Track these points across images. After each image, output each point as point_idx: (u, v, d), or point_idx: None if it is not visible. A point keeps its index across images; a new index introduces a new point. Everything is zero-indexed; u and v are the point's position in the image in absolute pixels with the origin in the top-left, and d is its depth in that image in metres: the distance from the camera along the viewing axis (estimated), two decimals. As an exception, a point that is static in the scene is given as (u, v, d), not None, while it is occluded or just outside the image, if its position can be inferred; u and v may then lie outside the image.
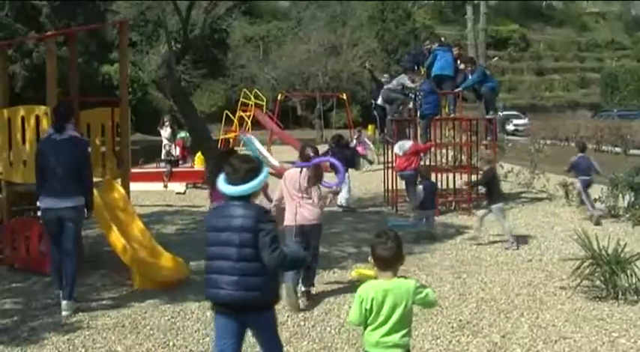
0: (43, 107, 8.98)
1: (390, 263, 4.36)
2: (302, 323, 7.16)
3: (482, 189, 12.69)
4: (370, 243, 4.54)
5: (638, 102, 54.61)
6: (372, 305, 4.30)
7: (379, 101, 16.20)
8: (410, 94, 15.24)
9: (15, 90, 26.56)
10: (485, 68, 16.77)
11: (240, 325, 4.94)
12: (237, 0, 33.61)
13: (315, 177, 7.85)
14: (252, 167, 4.86)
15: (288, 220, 7.75)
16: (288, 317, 7.35)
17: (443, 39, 17.61)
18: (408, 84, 15.03)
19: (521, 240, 11.40)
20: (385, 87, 15.77)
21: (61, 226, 7.62)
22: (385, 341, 4.33)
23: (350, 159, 14.97)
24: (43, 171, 7.65)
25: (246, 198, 4.82)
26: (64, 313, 7.51)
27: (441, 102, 15.32)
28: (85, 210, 7.84)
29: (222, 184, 4.88)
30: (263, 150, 25.85)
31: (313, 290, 8.19)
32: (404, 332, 4.36)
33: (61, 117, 7.88)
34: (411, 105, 15.52)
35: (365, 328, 4.42)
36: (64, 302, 7.57)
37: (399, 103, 15.48)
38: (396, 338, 4.33)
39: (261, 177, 4.85)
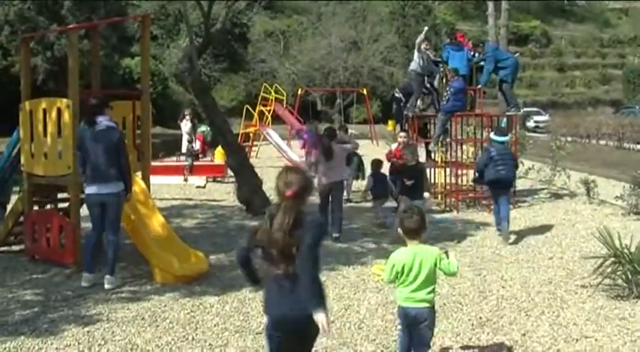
0: (64, 100, 9.00)
1: (416, 232, 5.37)
2: (321, 318, 7.13)
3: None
4: (399, 216, 5.54)
5: (660, 99, 54.12)
6: (402, 267, 5.28)
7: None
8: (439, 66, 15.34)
9: (36, 83, 26.74)
10: (496, 49, 16.43)
11: None
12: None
13: None
14: None
15: None
16: (307, 312, 7.33)
17: (454, 36, 17.30)
18: (413, 67, 15.08)
19: (542, 237, 11.34)
20: (410, 68, 15.62)
21: (102, 210, 8.34)
22: (414, 296, 5.31)
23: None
24: (84, 160, 8.35)
25: None
26: (107, 286, 8.22)
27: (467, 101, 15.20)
28: (125, 193, 8.53)
29: None
30: (283, 144, 25.90)
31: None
32: (429, 289, 5.33)
33: (92, 112, 8.47)
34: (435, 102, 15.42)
35: (397, 286, 5.39)
36: (107, 277, 8.30)
37: (417, 97, 15.36)
38: (423, 293, 5.30)
39: None
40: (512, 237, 11.34)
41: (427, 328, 5.37)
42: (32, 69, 27.37)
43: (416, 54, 15.21)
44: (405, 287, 5.33)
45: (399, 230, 5.45)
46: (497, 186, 11.45)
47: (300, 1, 67.87)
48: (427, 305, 5.33)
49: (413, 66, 15.31)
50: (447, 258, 5.44)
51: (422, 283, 5.29)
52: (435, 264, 5.32)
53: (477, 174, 12.12)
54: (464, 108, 14.82)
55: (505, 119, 14.80)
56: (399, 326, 5.65)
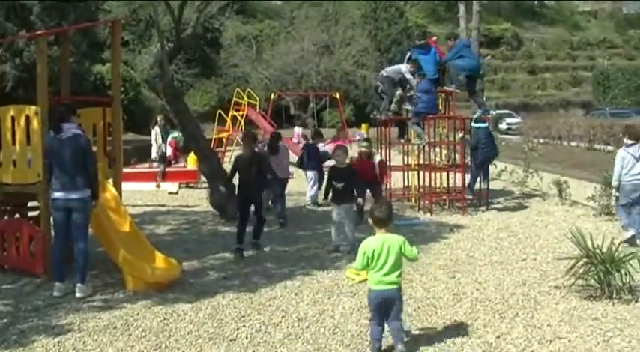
0: (33, 107, 8.89)
1: (385, 222, 6.22)
2: (296, 324, 7.10)
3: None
4: (370, 208, 6.41)
5: (629, 100, 54.78)
6: (373, 253, 6.05)
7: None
8: (406, 87, 15.25)
9: (5, 90, 26.45)
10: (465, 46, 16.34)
11: None
12: (229, -1, 33.55)
13: None
14: None
15: None
16: (282, 317, 7.30)
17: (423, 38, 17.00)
18: (408, 76, 14.93)
19: (515, 239, 11.40)
20: (382, 71, 15.64)
21: (69, 216, 8.31)
22: (385, 280, 6.06)
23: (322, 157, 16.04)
24: (52, 167, 8.34)
25: None
26: (78, 295, 8.15)
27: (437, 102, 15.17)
28: (92, 199, 8.50)
29: None
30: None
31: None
32: (397, 273, 6.12)
33: (58, 118, 8.48)
34: (408, 106, 15.34)
35: (369, 271, 6.15)
36: (78, 286, 8.23)
37: (390, 99, 15.34)
38: (393, 277, 6.08)
39: None
40: (486, 239, 11.39)
41: (398, 309, 6.14)
42: (1, 76, 27.19)
43: (404, 67, 15.15)
44: (376, 272, 6.08)
45: (369, 219, 6.32)
46: (486, 163, 14.26)
47: (273, 2, 67.87)
48: (396, 286, 6.11)
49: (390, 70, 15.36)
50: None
51: (391, 267, 6.06)
52: (401, 249, 6.11)
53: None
54: (434, 110, 14.76)
55: (479, 112, 14.81)
56: (370, 315, 6.28)
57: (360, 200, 11.43)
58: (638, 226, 10.71)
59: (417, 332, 6.78)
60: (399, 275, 6.14)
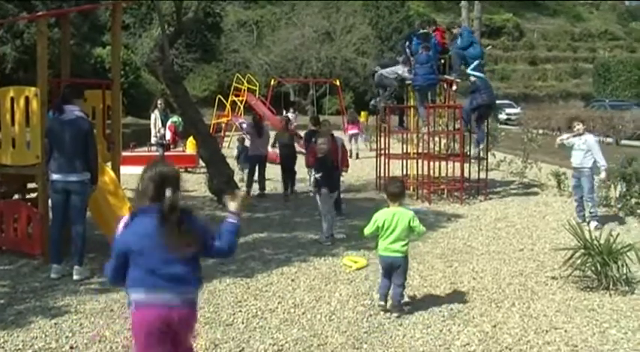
0: (32, 88, 8.87)
1: (398, 196, 7.00)
2: (292, 310, 7.11)
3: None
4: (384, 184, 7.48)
5: (630, 92, 54.69)
6: (383, 223, 6.84)
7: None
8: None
9: (5, 72, 26.39)
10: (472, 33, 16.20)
11: None
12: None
13: None
14: None
15: None
16: (278, 303, 7.31)
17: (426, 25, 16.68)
18: (405, 75, 14.86)
19: (513, 229, 11.41)
20: (379, 72, 15.60)
21: (67, 198, 8.31)
22: (391, 247, 6.84)
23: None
24: (52, 148, 8.32)
25: None
26: (75, 277, 8.20)
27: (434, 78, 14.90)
28: (91, 183, 8.50)
29: None
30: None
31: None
32: (403, 242, 6.86)
33: (61, 99, 8.51)
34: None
35: (379, 238, 6.92)
36: (75, 268, 8.28)
37: (391, 91, 15.34)
38: (398, 245, 6.84)
39: None
40: (484, 229, 11.41)
41: (402, 271, 6.93)
42: (1, 57, 27.13)
43: (400, 69, 15.07)
44: (384, 239, 6.87)
45: (384, 194, 7.42)
46: (483, 109, 14.33)
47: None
48: (401, 254, 6.86)
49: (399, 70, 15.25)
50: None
51: (397, 237, 6.81)
52: (409, 223, 6.81)
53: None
54: (429, 82, 14.51)
55: (476, 63, 14.73)
56: (381, 272, 7.16)
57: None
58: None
59: (413, 319, 6.80)
60: (405, 245, 6.87)
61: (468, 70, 14.60)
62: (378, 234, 6.95)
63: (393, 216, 6.84)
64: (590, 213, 11.58)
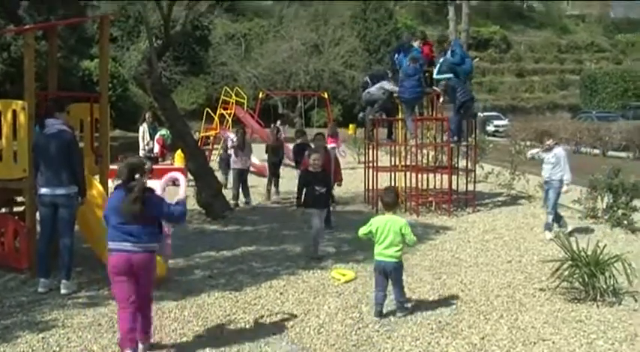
0: (20, 102, 8.83)
1: (391, 206, 7.46)
2: (281, 323, 7.10)
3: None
4: (379, 194, 8.13)
5: (616, 104, 55.05)
6: (377, 229, 7.30)
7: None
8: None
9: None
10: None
11: None
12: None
13: None
14: None
15: None
16: (267, 317, 7.30)
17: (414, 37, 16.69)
18: (390, 88, 14.84)
19: (501, 241, 11.44)
20: (366, 91, 15.55)
21: (54, 212, 8.34)
22: (385, 253, 7.27)
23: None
24: (38, 163, 8.38)
25: None
26: (63, 291, 8.17)
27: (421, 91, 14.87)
28: (79, 196, 8.53)
29: None
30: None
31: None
32: (397, 248, 7.26)
33: (43, 113, 8.59)
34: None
35: (375, 244, 7.35)
36: (63, 282, 8.25)
37: (379, 104, 15.33)
38: (392, 251, 7.25)
39: None
40: (472, 241, 11.44)
41: (397, 275, 7.34)
42: (-12, 70, 27.04)
43: (387, 84, 15.07)
44: (378, 245, 7.31)
45: (379, 203, 7.67)
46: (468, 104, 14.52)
47: (262, 2, 67.83)
48: (395, 259, 7.26)
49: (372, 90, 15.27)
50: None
51: (390, 243, 7.23)
52: (400, 230, 7.22)
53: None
54: (414, 95, 14.43)
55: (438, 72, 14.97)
56: (374, 281, 7.49)
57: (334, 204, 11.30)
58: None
59: (402, 332, 6.80)
60: (399, 251, 7.27)
61: (435, 76, 14.73)
62: (371, 238, 7.41)
63: (386, 223, 7.27)
64: (547, 223, 11.82)
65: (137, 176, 6.13)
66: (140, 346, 6.15)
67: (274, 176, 16.93)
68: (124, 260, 5.98)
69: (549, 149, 11.92)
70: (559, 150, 11.89)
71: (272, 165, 17.10)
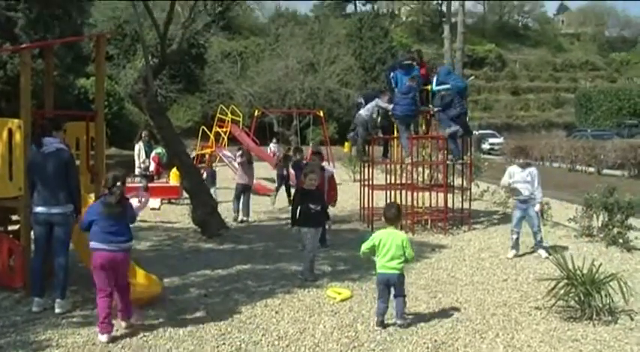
0: (16, 120, 8.83)
1: (393, 220, 7.87)
2: (276, 342, 7.08)
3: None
4: (382, 210, 8.28)
5: (611, 122, 55.29)
6: (379, 242, 7.64)
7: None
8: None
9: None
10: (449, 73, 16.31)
11: None
12: (215, 16, 33.59)
13: None
14: None
15: None
16: (262, 336, 7.27)
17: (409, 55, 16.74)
18: (384, 105, 14.86)
19: (496, 260, 11.43)
20: (359, 113, 15.49)
21: (49, 230, 8.32)
22: (387, 265, 7.58)
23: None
24: (34, 182, 8.32)
25: None
26: (57, 311, 8.11)
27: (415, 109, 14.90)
28: (75, 214, 8.47)
29: None
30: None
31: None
32: (399, 261, 7.57)
33: (40, 132, 8.54)
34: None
35: (377, 257, 7.69)
36: (57, 301, 8.19)
37: (371, 125, 15.29)
38: (394, 263, 7.57)
39: None
40: (467, 259, 11.43)
41: (399, 286, 7.62)
42: (-16, 88, 27.00)
43: (382, 103, 15.06)
44: (382, 258, 7.62)
45: (382, 218, 8.13)
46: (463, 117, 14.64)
47: (258, 21, 68.10)
48: (397, 271, 7.57)
49: (363, 113, 15.25)
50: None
51: (392, 255, 7.56)
52: (402, 243, 7.57)
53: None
54: (408, 112, 14.43)
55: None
56: (377, 294, 7.78)
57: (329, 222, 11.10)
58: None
59: (398, 351, 6.78)
60: (400, 263, 7.58)
61: (434, 88, 14.74)
62: (370, 256, 7.83)
63: (388, 236, 7.64)
64: (539, 242, 11.89)
65: (118, 184, 7.38)
66: (123, 323, 7.48)
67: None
68: (109, 258, 7.19)
69: (523, 168, 11.91)
70: (532, 169, 11.95)
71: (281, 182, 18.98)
